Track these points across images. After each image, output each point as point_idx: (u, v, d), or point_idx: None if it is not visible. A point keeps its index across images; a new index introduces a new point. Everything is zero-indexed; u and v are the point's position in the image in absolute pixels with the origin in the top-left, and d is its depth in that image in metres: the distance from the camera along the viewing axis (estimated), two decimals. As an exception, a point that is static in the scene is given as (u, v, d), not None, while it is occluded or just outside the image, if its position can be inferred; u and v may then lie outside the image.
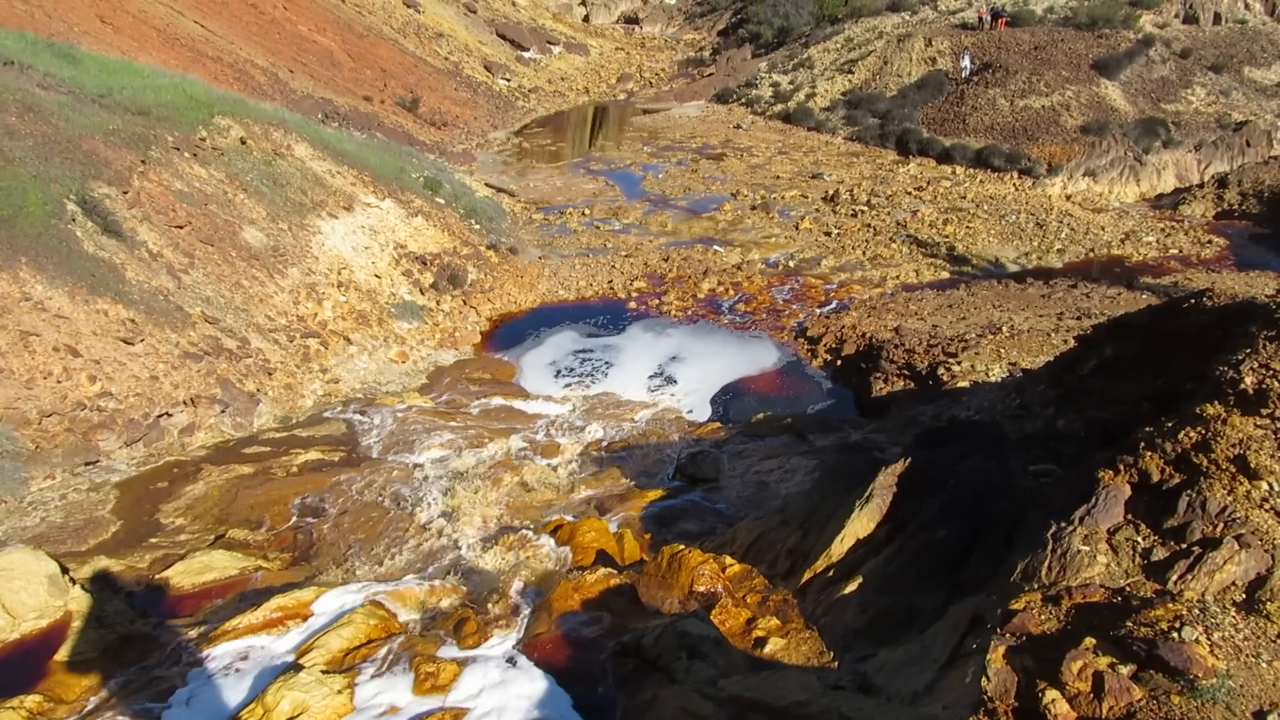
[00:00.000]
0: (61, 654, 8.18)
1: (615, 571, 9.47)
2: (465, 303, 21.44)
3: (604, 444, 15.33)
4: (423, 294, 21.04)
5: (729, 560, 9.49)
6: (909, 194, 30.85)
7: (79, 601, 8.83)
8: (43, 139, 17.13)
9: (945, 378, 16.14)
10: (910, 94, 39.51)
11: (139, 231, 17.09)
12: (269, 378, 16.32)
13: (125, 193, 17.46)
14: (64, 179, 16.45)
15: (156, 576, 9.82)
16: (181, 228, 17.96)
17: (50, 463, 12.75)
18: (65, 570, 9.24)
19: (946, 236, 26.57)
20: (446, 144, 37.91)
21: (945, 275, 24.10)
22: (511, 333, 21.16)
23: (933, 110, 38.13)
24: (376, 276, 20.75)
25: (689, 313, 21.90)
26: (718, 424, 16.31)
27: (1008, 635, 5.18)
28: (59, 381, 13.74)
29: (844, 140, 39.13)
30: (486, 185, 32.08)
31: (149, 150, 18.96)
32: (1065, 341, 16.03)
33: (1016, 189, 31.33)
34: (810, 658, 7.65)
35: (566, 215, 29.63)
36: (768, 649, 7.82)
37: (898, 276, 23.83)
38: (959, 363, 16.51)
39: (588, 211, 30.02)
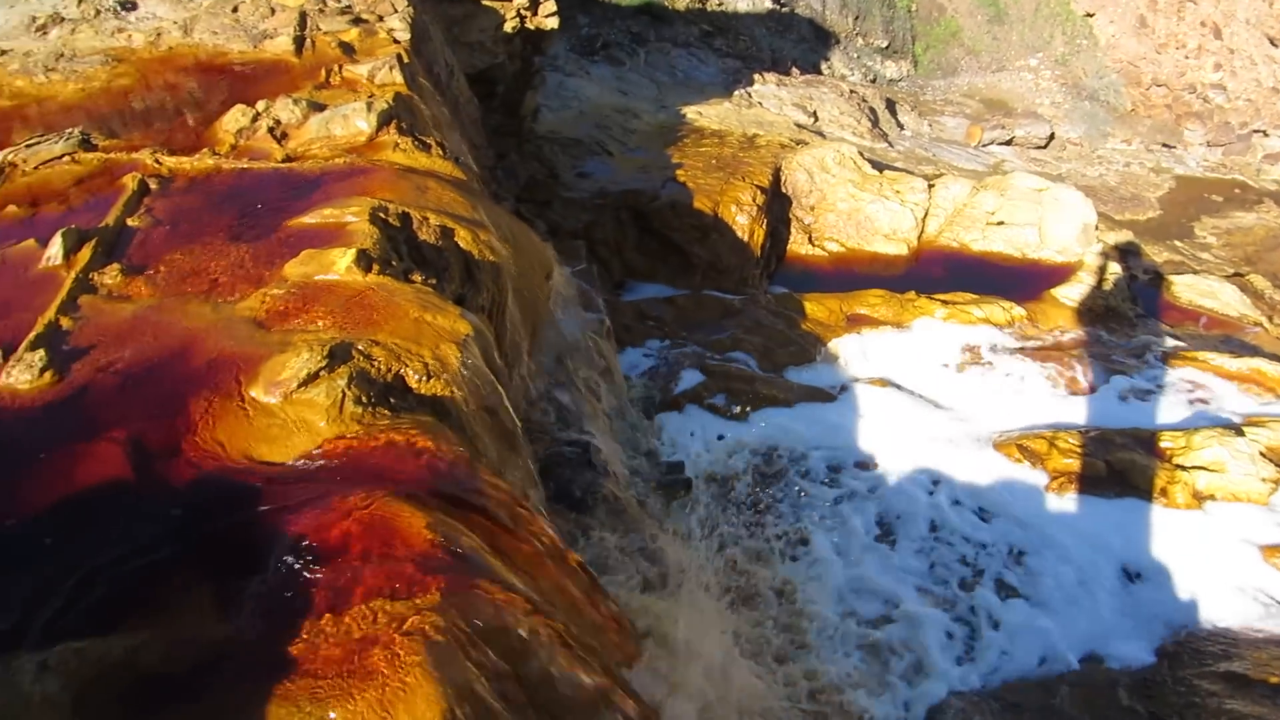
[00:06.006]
0: (1058, 290, 9.10)
1: None
2: None
3: None
4: None
5: None
6: None
7: (1093, 257, 9.50)
8: None
9: None
10: None
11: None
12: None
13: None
14: None
15: (1163, 276, 9.94)
16: None
17: (1134, 129, 13.18)
18: (1095, 227, 9.92)
19: None
20: None
21: None
22: None
23: None
24: None
25: None
26: None
27: None
28: (1185, 57, 13.58)
29: None
30: None
31: None
32: None
33: None
34: None
35: None
36: None
37: None
38: None
39: None
